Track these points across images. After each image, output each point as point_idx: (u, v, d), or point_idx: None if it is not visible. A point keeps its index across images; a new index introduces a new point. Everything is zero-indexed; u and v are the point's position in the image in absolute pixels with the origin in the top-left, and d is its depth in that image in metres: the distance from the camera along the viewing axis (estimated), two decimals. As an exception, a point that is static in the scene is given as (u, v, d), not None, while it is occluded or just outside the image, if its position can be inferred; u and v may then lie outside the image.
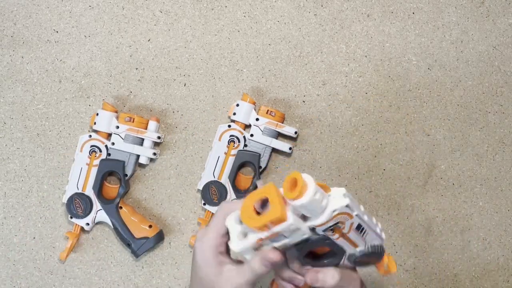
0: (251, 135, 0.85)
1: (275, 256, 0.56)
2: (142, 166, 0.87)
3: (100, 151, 0.84)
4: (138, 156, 0.85)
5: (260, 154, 0.85)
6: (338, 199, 0.54)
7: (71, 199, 0.84)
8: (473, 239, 0.90)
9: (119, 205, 0.84)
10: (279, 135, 0.87)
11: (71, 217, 0.84)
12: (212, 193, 0.85)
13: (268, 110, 0.85)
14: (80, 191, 0.84)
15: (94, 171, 0.84)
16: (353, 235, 0.57)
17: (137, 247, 0.83)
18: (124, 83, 0.87)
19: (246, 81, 0.88)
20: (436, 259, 0.90)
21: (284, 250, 0.57)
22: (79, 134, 0.86)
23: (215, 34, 0.88)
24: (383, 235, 0.61)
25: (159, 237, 0.85)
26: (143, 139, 0.85)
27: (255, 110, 0.86)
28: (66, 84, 0.87)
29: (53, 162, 0.87)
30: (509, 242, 0.91)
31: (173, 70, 0.88)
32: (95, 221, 0.85)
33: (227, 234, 0.57)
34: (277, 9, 0.88)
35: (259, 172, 0.85)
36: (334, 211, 0.53)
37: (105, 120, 0.84)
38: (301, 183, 0.50)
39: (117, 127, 0.83)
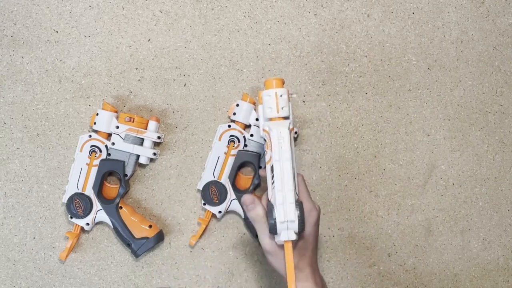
0: (251, 135, 0.85)
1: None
2: (142, 166, 0.88)
3: (100, 151, 0.84)
4: (138, 156, 0.85)
5: (260, 154, 0.85)
6: (284, 123, 0.69)
7: (71, 199, 0.84)
8: (473, 239, 0.90)
9: (119, 205, 0.84)
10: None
11: (71, 217, 0.84)
12: (212, 193, 0.85)
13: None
14: (80, 191, 0.84)
15: (94, 171, 0.84)
16: (268, 170, 0.69)
17: (137, 247, 0.83)
18: (124, 83, 0.87)
19: (246, 81, 0.88)
20: (436, 259, 0.90)
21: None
22: (79, 134, 0.86)
23: (215, 34, 0.88)
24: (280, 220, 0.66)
25: (159, 237, 0.85)
26: (143, 139, 0.85)
27: (255, 110, 0.86)
28: (66, 84, 0.87)
29: (53, 162, 0.87)
30: (509, 242, 0.91)
31: (173, 70, 0.88)
32: (95, 221, 0.85)
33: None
34: (277, 9, 0.88)
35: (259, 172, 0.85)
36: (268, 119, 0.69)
37: (105, 120, 0.84)
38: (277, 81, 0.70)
39: (117, 127, 0.83)
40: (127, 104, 0.87)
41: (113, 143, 0.84)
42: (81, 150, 0.84)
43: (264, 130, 0.70)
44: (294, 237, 0.65)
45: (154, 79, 0.88)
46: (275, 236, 0.67)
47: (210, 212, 0.86)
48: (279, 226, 0.65)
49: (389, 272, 0.89)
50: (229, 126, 0.85)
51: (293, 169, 0.68)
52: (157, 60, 0.87)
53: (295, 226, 0.65)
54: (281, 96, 0.70)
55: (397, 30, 0.90)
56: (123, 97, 0.87)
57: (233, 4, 0.88)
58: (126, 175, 0.84)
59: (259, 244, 0.83)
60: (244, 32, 0.88)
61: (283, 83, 0.71)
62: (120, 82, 0.87)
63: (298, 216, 0.66)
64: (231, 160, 0.85)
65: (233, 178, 0.85)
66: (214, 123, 0.88)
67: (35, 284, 0.87)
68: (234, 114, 0.86)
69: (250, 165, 0.86)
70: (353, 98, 0.89)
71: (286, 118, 0.70)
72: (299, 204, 0.67)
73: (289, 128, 0.68)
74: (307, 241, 0.70)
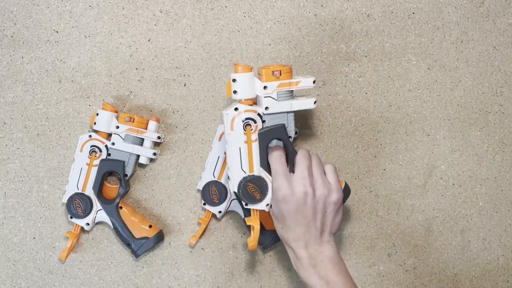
0: (251, 135, 0.84)
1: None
2: (142, 166, 0.88)
3: (100, 151, 0.84)
4: (138, 156, 0.85)
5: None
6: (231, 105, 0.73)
7: (71, 199, 0.84)
8: (473, 239, 0.90)
9: (119, 205, 0.84)
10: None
11: (71, 217, 0.84)
12: (212, 193, 0.85)
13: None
14: (80, 191, 0.84)
15: (94, 171, 0.84)
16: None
17: (137, 247, 0.83)
18: (124, 83, 0.87)
19: (246, 81, 0.88)
20: (436, 259, 0.90)
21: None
22: (79, 134, 0.86)
23: (215, 34, 0.88)
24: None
25: (159, 237, 0.85)
26: (143, 139, 0.85)
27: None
28: (66, 84, 0.87)
29: (53, 162, 0.87)
30: (509, 242, 0.91)
31: (173, 70, 0.88)
32: (95, 221, 0.85)
33: None
34: (277, 9, 0.88)
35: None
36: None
37: (105, 120, 0.84)
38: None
39: (117, 127, 0.83)
40: (127, 104, 0.87)
41: (113, 143, 0.84)
42: (81, 150, 0.84)
43: None
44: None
45: (154, 79, 0.88)
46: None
47: (210, 212, 0.86)
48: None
49: (389, 272, 0.89)
50: (229, 126, 0.85)
51: (236, 149, 0.72)
52: (157, 60, 0.87)
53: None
54: (233, 80, 0.71)
55: (397, 30, 0.90)
56: (123, 97, 0.87)
57: (233, 4, 0.88)
58: (126, 175, 0.84)
59: (260, 244, 0.83)
60: (244, 32, 0.88)
61: (246, 69, 0.71)
62: (120, 82, 0.87)
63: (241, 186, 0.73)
64: (231, 160, 0.85)
65: (233, 178, 0.85)
66: (214, 123, 0.88)
67: (35, 284, 0.87)
68: (234, 114, 0.85)
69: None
70: (353, 98, 0.89)
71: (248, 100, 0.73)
72: (252, 178, 0.73)
73: (233, 111, 0.71)
74: (276, 216, 0.73)
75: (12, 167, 0.87)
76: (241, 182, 0.74)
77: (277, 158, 0.72)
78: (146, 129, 0.84)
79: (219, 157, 0.85)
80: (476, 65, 0.91)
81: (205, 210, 0.86)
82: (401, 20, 0.90)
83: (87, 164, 0.84)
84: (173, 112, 0.88)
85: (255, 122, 0.72)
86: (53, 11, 0.87)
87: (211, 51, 0.88)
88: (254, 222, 0.75)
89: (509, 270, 0.91)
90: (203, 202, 0.85)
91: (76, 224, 0.85)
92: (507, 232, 0.91)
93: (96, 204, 0.84)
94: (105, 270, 0.87)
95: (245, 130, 0.72)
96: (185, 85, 0.88)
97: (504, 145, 0.91)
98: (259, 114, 0.73)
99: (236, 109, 0.72)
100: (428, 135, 0.90)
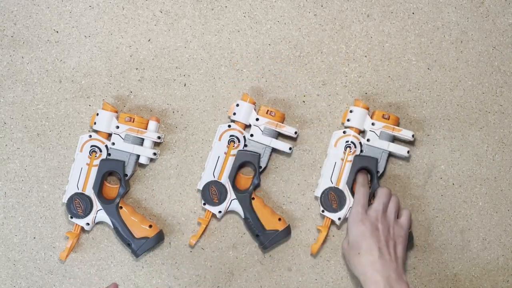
0: (251, 135, 0.85)
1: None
2: (142, 166, 0.88)
3: (100, 151, 0.84)
4: (138, 156, 0.85)
5: (260, 154, 0.85)
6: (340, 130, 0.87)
7: (71, 199, 0.84)
8: (473, 239, 0.90)
9: (119, 205, 0.84)
10: (279, 135, 0.87)
11: (71, 217, 0.84)
12: (212, 193, 0.85)
13: (268, 110, 0.85)
14: (80, 191, 0.84)
15: (94, 171, 0.84)
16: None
17: (137, 247, 0.83)
18: (124, 83, 0.87)
19: (246, 81, 0.88)
20: (436, 259, 0.90)
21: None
22: (79, 134, 0.86)
23: (215, 34, 0.88)
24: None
25: (159, 237, 0.85)
26: (143, 139, 0.85)
27: (255, 110, 0.86)
28: (66, 84, 0.87)
29: (53, 162, 0.87)
30: (509, 242, 0.91)
31: (173, 70, 0.88)
32: (95, 221, 0.85)
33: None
34: (277, 9, 0.88)
35: (259, 172, 0.85)
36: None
37: (105, 120, 0.84)
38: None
39: (117, 127, 0.83)
40: (127, 104, 0.88)
41: (113, 143, 0.84)
42: (81, 150, 0.84)
43: None
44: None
45: (154, 79, 0.88)
46: None
47: (210, 212, 0.86)
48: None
49: (389, 272, 0.89)
50: (229, 126, 0.85)
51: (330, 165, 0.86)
52: (157, 60, 0.88)
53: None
54: (350, 111, 0.86)
55: (397, 30, 0.90)
56: (123, 97, 0.87)
57: (233, 4, 0.88)
58: (126, 175, 0.84)
59: (260, 244, 0.84)
60: (244, 32, 0.88)
61: (364, 106, 0.85)
62: (120, 82, 0.87)
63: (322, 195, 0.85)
64: (231, 160, 0.85)
65: (233, 178, 0.85)
66: (214, 123, 0.88)
67: (35, 284, 0.87)
68: (234, 114, 0.85)
69: (250, 165, 0.86)
70: (353, 98, 0.89)
71: (351, 128, 0.85)
72: (336, 189, 0.85)
73: (341, 134, 0.85)
74: (352, 245, 0.80)
75: (12, 167, 0.87)
76: (326, 189, 0.85)
77: (363, 193, 0.83)
78: (146, 129, 0.84)
79: (219, 157, 0.85)
80: (476, 65, 0.91)
81: (205, 210, 0.86)
82: (401, 20, 0.90)
83: (87, 164, 0.84)
84: (173, 112, 0.88)
85: (355, 146, 0.85)
86: (53, 11, 0.87)
87: (211, 51, 0.88)
88: (323, 228, 0.86)
89: (509, 270, 0.91)
90: (203, 202, 0.85)
91: (76, 224, 0.85)
92: (507, 232, 0.91)
93: (96, 204, 0.84)
94: (105, 270, 0.87)
95: (345, 150, 0.85)
96: (185, 85, 0.88)
97: (504, 145, 0.91)
98: (360, 143, 0.86)
99: (344, 132, 0.86)
100: (428, 135, 0.90)
